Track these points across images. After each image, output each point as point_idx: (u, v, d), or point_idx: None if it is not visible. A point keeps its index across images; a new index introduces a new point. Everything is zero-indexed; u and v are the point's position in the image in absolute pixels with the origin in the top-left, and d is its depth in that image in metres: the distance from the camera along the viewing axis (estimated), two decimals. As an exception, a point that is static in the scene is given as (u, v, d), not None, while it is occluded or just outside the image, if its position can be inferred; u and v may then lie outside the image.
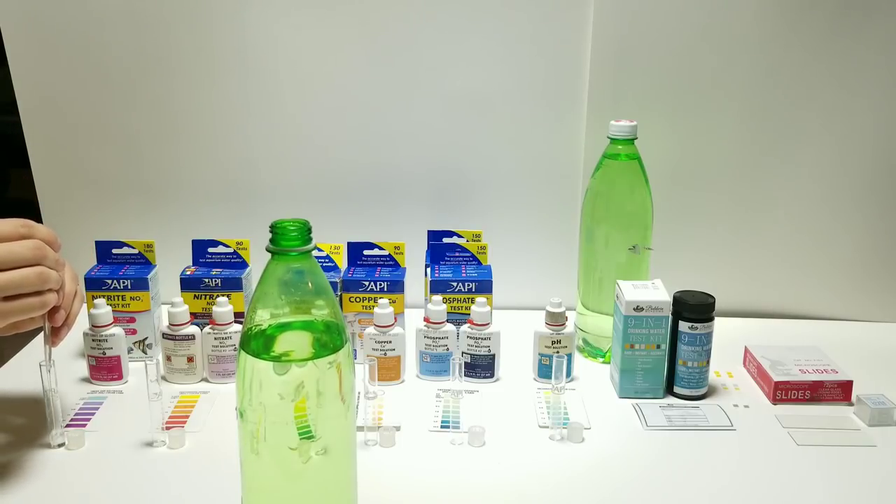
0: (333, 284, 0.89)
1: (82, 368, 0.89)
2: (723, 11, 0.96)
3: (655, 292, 0.84)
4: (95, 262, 0.93)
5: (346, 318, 0.90)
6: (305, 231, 0.53)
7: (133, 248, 0.93)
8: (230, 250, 0.93)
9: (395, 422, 0.79)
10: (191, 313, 0.88)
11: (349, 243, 0.94)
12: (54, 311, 0.70)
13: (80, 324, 0.88)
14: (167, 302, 0.88)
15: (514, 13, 0.99)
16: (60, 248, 0.69)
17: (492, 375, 0.89)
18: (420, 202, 1.07)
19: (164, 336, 0.87)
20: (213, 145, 1.05)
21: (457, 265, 0.95)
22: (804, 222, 1.05)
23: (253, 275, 0.94)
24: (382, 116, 1.04)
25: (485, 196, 1.07)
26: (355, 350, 0.91)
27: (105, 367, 0.87)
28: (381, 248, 0.94)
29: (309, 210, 1.03)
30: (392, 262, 0.94)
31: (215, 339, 0.86)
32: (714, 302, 0.84)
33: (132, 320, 0.91)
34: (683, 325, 0.83)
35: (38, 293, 0.66)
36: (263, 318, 0.54)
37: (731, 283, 1.05)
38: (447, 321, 0.88)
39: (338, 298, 0.90)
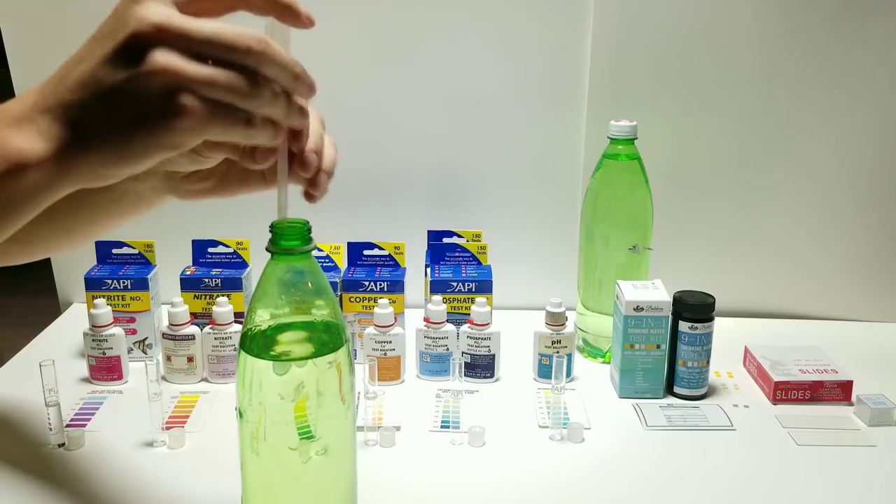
0: (333, 284, 0.89)
1: (82, 368, 0.89)
2: (723, 12, 0.96)
3: (655, 292, 0.84)
4: (95, 262, 0.93)
5: (346, 318, 0.90)
6: (305, 231, 0.53)
7: (133, 248, 0.93)
8: (230, 250, 0.93)
9: (395, 422, 0.79)
10: (191, 313, 0.88)
11: (349, 243, 0.94)
12: (301, 154, 0.50)
13: (81, 324, 0.88)
14: (167, 302, 0.88)
15: (514, 13, 0.99)
16: (306, 88, 0.47)
17: (492, 375, 0.89)
18: (420, 202, 1.07)
19: (164, 336, 0.87)
20: (213, 145, 1.05)
21: (457, 265, 0.95)
22: (804, 222, 1.05)
23: (253, 275, 0.94)
24: (382, 116, 1.04)
25: (485, 196, 1.07)
26: (355, 350, 0.91)
27: (105, 367, 0.87)
28: (381, 248, 0.94)
29: (309, 210, 1.03)
30: (392, 262, 0.94)
31: (215, 339, 0.86)
32: (714, 302, 0.84)
33: (132, 320, 0.91)
34: (683, 325, 0.83)
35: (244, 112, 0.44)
36: (263, 318, 0.54)
37: (731, 283, 1.05)
38: (447, 321, 0.88)
39: (338, 298, 0.90)
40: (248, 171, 0.56)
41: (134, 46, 0.41)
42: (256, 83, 0.43)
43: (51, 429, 0.74)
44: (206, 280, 0.91)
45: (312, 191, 0.51)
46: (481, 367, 0.89)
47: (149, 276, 0.90)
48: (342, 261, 0.94)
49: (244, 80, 0.43)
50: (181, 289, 0.91)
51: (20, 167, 0.42)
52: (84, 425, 0.78)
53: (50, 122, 0.43)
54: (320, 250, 0.93)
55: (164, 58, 0.41)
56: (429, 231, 0.98)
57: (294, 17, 0.47)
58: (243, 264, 0.94)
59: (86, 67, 0.42)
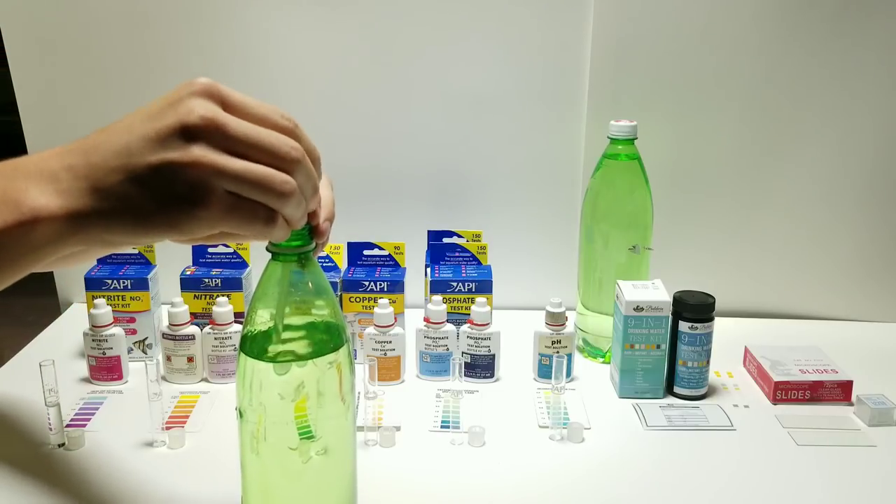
0: (333, 284, 0.89)
1: (82, 368, 0.89)
2: (723, 12, 0.96)
3: (655, 292, 0.84)
4: (95, 262, 0.93)
5: (346, 318, 0.90)
6: (306, 231, 0.53)
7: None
8: (230, 250, 0.93)
9: (395, 422, 0.79)
10: (191, 313, 0.88)
11: (349, 243, 0.94)
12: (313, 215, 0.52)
13: (81, 324, 0.88)
14: (167, 302, 0.88)
15: (514, 13, 0.99)
16: (320, 163, 0.50)
17: (492, 375, 0.89)
18: (420, 202, 1.07)
19: (164, 336, 0.87)
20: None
21: (457, 265, 0.95)
22: (804, 222, 1.05)
23: (253, 275, 0.94)
24: (383, 117, 1.04)
25: (485, 196, 1.07)
26: (355, 350, 0.91)
27: (105, 367, 0.87)
28: (381, 248, 0.94)
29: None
30: (392, 262, 0.94)
31: (215, 339, 0.86)
32: (714, 302, 0.84)
33: (132, 320, 0.91)
34: (683, 325, 0.83)
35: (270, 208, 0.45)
36: (264, 318, 0.54)
37: (731, 283, 1.05)
38: (447, 321, 0.88)
39: (338, 298, 0.90)
40: None
41: (178, 134, 0.43)
42: (290, 182, 0.45)
43: (51, 429, 0.74)
44: (206, 280, 0.91)
45: (317, 240, 0.53)
46: (481, 367, 0.89)
47: (149, 276, 0.90)
48: (342, 261, 0.94)
49: (278, 178, 0.45)
50: (181, 289, 0.91)
51: (31, 221, 0.43)
52: (84, 425, 0.78)
53: (74, 183, 0.44)
54: (320, 250, 0.93)
55: (202, 151, 0.43)
56: (429, 231, 0.98)
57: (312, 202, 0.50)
58: (243, 264, 0.94)
59: (126, 140, 0.43)
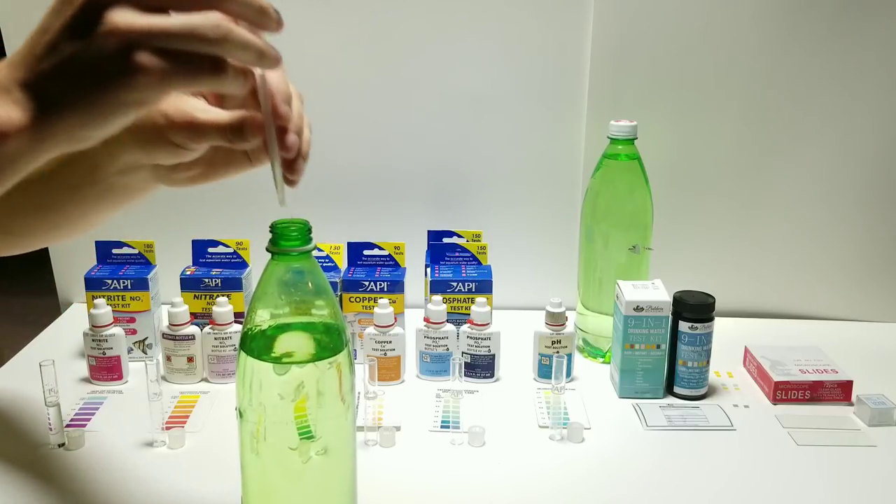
0: (333, 284, 0.89)
1: (82, 368, 0.89)
2: (722, 12, 0.96)
3: (655, 292, 0.84)
4: (95, 262, 0.93)
5: (346, 318, 0.90)
6: (305, 231, 0.53)
7: (133, 248, 0.93)
8: (230, 250, 0.93)
9: (395, 422, 0.79)
10: (191, 313, 0.88)
11: (349, 243, 0.94)
12: (283, 132, 0.51)
13: (81, 324, 0.88)
14: (167, 302, 0.88)
15: (514, 13, 0.99)
16: (273, 22, 0.47)
17: (492, 375, 0.89)
18: (420, 202, 1.07)
19: (164, 336, 0.87)
20: (213, 145, 1.05)
21: (457, 265, 0.95)
22: (804, 222, 1.05)
23: (253, 275, 0.94)
24: (382, 116, 1.04)
25: (485, 196, 1.07)
26: (355, 350, 0.91)
27: (105, 367, 0.87)
28: (381, 248, 0.94)
29: (309, 210, 1.03)
30: (392, 262, 0.94)
31: (215, 339, 0.86)
32: (714, 302, 0.84)
33: (132, 320, 0.91)
34: (683, 325, 0.83)
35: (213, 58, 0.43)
36: (263, 318, 0.54)
37: (731, 283, 1.05)
38: (447, 321, 0.88)
39: (338, 298, 0.90)
40: (232, 153, 0.56)
41: (89, 11, 0.41)
42: (221, 26, 0.42)
43: (51, 429, 0.74)
44: (206, 280, 0.91)
45: (291, 175, 0.51)
46: (481, 367, 0.89)
47: (149, 276, 0.90)
48: (342, 261, 0.94)
49: (206, 24, 0.41)
50: (181, 289, 0.91)
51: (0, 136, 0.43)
52: (84, 425, 0.78)
53: (22, 92, 0.43)
54: (320, 250, 0.93)
55: (116, 17, 0.41)
56: (429, 231, 0.98)
57: (266, 23, 0.46)
58: (243, 264, 0.94)
59: (48, 38, 0.43)
